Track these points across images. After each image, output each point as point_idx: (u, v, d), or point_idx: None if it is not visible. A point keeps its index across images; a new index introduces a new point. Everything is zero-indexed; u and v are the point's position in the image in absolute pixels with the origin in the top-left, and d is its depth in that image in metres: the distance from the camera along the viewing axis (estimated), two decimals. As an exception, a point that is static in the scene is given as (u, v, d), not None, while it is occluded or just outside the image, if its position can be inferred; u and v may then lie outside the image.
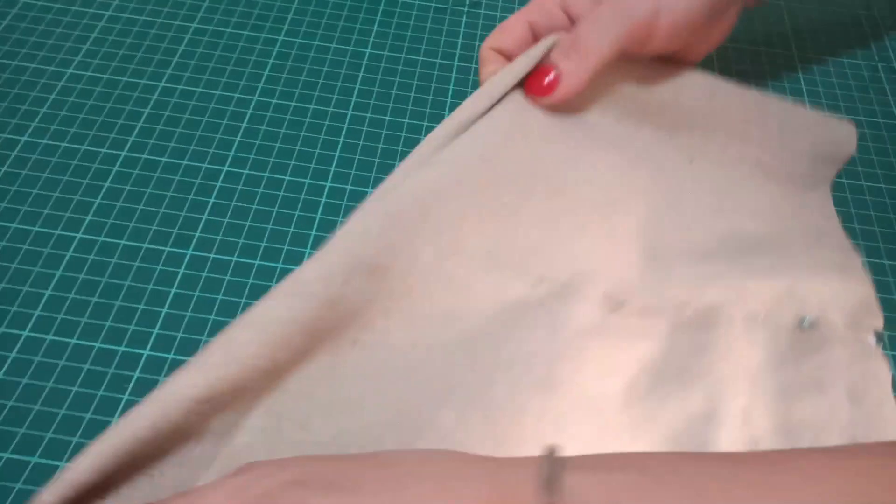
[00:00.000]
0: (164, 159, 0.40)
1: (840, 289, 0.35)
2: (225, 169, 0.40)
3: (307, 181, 0.40)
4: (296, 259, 0.37)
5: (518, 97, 0.36)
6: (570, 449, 0.25)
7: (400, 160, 0.41)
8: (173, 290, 0.35)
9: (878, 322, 0.35)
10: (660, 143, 0.39)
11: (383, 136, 0.43)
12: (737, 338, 0.33)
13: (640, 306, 0.34)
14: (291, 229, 0.38)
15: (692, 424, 0.31)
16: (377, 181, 0.41)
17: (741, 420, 0.31)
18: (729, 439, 0.31)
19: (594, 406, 0.31)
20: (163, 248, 0.37)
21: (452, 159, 0.34)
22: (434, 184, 0.33)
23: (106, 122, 0.42)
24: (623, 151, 0.38)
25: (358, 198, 0.40)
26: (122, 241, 0.37)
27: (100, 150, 0.41)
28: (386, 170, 0.41)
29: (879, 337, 0.35)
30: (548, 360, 0.31)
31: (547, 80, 0.35)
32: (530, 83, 0.36)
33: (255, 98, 0.44)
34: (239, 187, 0.40)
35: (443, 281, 0.32)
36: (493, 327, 0.32)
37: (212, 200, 0.39)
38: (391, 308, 0.31)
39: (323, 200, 0.40)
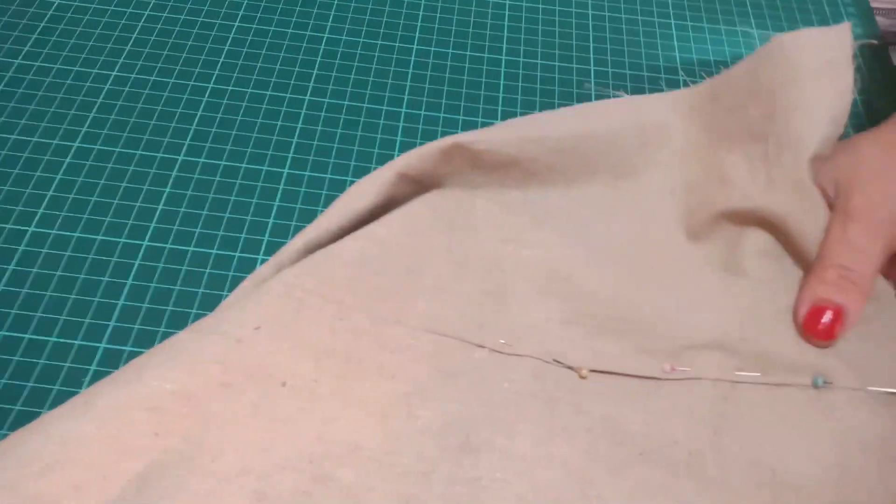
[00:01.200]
0: (117, 149, 0.40)
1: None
2: (180, 158, 0.40)
3: (264, 168, 0.40)
4: (253, 248, 0.37)
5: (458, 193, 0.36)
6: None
7: (358, 146, 0.41)
8: (129, 282, 0.35)
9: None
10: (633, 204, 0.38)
11: (342, 121, 0.43)
12: (723, 399, 0.32)
13: (595, 370, 0.33)
14: (249, 217, 0.38)
15: (654, 493, 0.29)
16: (336, 167, 0.41)
17: (722, 490, 0.30)
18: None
19: (532, 471, 0.30)
20: (118, 239, 0.37)
21: (375, 234, 0.34)
22: (359, 254, 0.33)
23: (57, 113, 0.41)
24: (567, 225, 0.37)
25: (316, 184, 0.40)
26: (76, 234, 0.36)
27: (50, 141, 0.40)
28: (344, 156, 0.41)
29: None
30: (483, 423, 0.31)
31: (826, 319, 0.32)
32: (808, 325, 0.33)
33: (211, 85, 0.43)
34: (195, 176, 0.39)
35: (376, 340, 0.32)
36: (426, 388, 0.31)
37: (167, 190, 0.39)
38: (321, 359, 0.31)
39: (280, 187, 0.39)
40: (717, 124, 0.38)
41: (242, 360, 0.30)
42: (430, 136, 0.42)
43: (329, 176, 0.40)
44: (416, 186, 0.37)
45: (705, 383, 0.32)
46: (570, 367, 0.32)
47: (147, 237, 0.37)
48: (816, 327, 0.32)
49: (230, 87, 0.43)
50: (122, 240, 0.36)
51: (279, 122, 0.42)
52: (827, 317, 0.32)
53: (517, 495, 0.29)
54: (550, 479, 0.30)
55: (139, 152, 0.40)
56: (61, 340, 0.33)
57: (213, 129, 0.41)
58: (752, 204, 0.35)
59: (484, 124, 0.44)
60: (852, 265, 0.32)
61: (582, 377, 0.32)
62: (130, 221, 0.37)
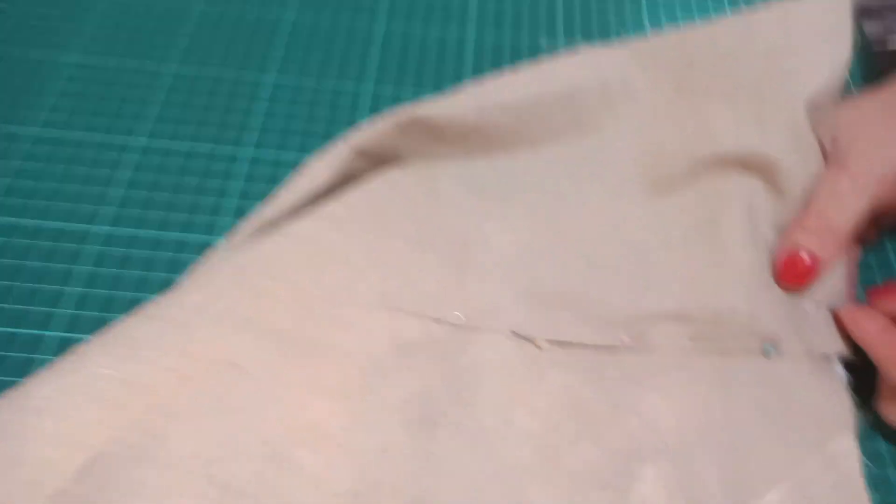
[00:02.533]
0: (71, 133, 0.39)
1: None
2: (132, 140, 0.38)
3: (227, 149, 0.38)
4: (213, 231, 0.35)
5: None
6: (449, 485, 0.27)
7: (325, 126, 0.40)
8: (81, 268, 0.34)
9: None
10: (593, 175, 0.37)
11: (307, 101, 0.41)
12: (677, 368, 0.31)
13: (553, 342, 0.32)
14: (209, 199, 0.37)
15: (615, 461, 0.29)
16: (301, 145, 0.39)
17: (677, 460, 0.29)
18: (655, 477, 0.29)
19: (490, 441, 0.29)
20: (69, 224, 0.35)
21: (330, 212, 0.33)
22: (314, 233, 0.32)
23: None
24: (532, 195, 0.36)
25: (281, 165, 0.38)
26: (22, 220, 0.35)
27: None
28: (311, 136, 0.39)
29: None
30: (441, 397, 0.30)
31: (800, 265, 0.32)
32: (783, 272, 0.33)
33: (174, 64, 0.42)
34: (155, 159, 0.38)
35: (333, 320, 0.31)
36: (383, 365, 0.31)
37: (125, 173, 0.37)
38: (276, 342, 0.30)
39: (244, 169, 0.38)
40: (693, 84, 0.37)
41: (190, 345, 0.29)
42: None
43: (295, 155, 0.38)
44: (373, 161, 0.36)
45: (662, 352, 0.31)
46: (527, 339, 0.31)
47: (101, 221, 0.35)
48: (790, 273, 0.33)
49: (194, 67, 0.42)
50: (73, 224, 0.35)
51: (242, 104, 0.41)
52: (801, 263, 0.32)
53: (479, 468, 0.28)
54: (512, 451, 0.29)
55: (97, 135, 0.38)
56: (4, 330, 0.32)
57: (176, 111, 0.40)
58: (741, 148, 0.34)
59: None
60: (834, 216, 0.32)
61: (540, 348, 0.31)
62: (83, 205, 0.36)
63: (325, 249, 0.32)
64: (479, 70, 0.44)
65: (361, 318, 0.31)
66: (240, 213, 0.36)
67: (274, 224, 0.33)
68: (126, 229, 0.35)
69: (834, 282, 0.33)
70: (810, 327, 0.32)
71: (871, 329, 0.31)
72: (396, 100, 0.42)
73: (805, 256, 0.32)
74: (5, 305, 0.32)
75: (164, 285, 0.33)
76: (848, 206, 0.32)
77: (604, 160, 0.36)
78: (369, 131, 0.34)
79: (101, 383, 0.27)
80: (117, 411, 0.27)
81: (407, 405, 0.30)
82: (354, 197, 0.34)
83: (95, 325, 0.31)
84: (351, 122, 0.40)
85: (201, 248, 0.35)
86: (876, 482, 0.31)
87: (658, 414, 0.30)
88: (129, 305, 0.31)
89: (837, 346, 0.32)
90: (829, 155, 0.34)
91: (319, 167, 0.34)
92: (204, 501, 0.26)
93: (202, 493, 0.26)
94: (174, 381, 0.28)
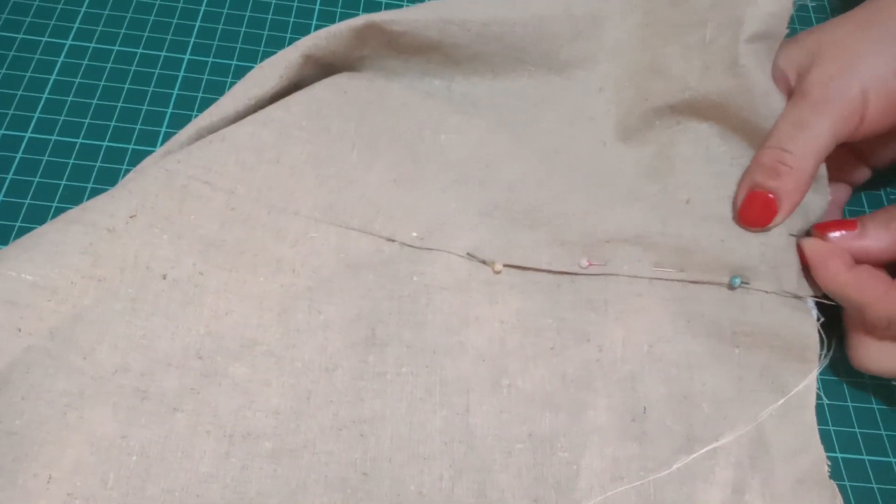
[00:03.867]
0: (-3, 34, 0.36)
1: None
2: (68, 43, 0.36)
3: (163, 54, 0.37)
4: (149, 140, 0.34)
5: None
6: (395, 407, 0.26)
7: (268, 30, 0.38)
8: (9, 177, 0.32)
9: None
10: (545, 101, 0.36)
11: (251, 2, 0.39)
12: (637, 295, 0.31)
13: (510, 264, 0.31)
14: (144, 107, 0.35)
15: (566, 385, 0.29)
16: (242, 53, 0.37)
17: (629, 386, 0.29)
18: (607, 406, 0.28)
19: (440, 363, 0.29)
20: None
21: (272, 117, 0.31)
22: (252, 139, 0.30)
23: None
24: (492, 114, 0.35)
25: (221, 71, 0.36)
26: None
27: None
28: (253, 41, 0.38)
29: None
30: (390, 317, 0.29)
31: (762, 204, 0.30)
32: (743, 211, 0.31)
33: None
34: (84, 62, 0.36)
35: (273, 232, 0.30)
36: (331, 282, 0.30)
37: (53, 77, 0.35)
38: (209, 251, 0.29)
39: (181, 75, 0.36)
40: (657, 18, 0.35)
41: (116, 252, 0.28)
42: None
43: (235, 62, 0.37)
44: (325, 70, 0.34)
45: (622, 280, 0.31)
46: (484, 262, 0.31)
47: (30, 129, 0.34)
48: (749, 214, 0.31)
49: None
50: (2, 131, 0.33)
51: (180, 4, 0.38)
52: (760, 202, 0.30)
53: (425, 388, 0.28)
54: (460, 370, 0.28)
55: (20, 36, 0.36)
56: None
57: (106, 12, 0.38)
58: (689, 94, 0.33)
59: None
60: (792, 146, 0.30)
61: (496, 272, 0.31)
62: (11, 112, 0.34)
63: (264, 155, 0.30)
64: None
65: (306, 232, 0.30)
66: (182, 123, 0.34)
67: (213, 131, 0.31)
68: (51, 136, 0.33)
69: (812, 219, 0.32)
70: (785, 265, 0.31)
71: (839, 267, 0.29)
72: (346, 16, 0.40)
73: (764, 194, 0.30)
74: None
75: (92, 196, 0.32)
76: (809, 136, 0.29)
77: (566, 98, 0.35)
78: (323, 37, 0.32)
79: (15, 288, 0.26)
80: (31, 317, 0.26)
81: (353, 324, 0.29)
82: (297, 101, 0.32)
83: (17, 236, 0.30)
84: (306, 28, 0.38)
85: (136, 159, 0.33)
86: (837, 424, 0.31)
87: (614, 341, 0.30)
88: (55, 216, 0.30)
89: (810, 287, 0.31)
90: (794, 85, 0.32)
91: (267, 74, 0.32)
92: (119, 410, 0.25)
93: (117, 401, 0.26)
94: (90, 285, 0.27)
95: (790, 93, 0.31)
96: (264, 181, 0.30)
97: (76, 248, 0.27)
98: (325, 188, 0.31)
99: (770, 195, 0.30)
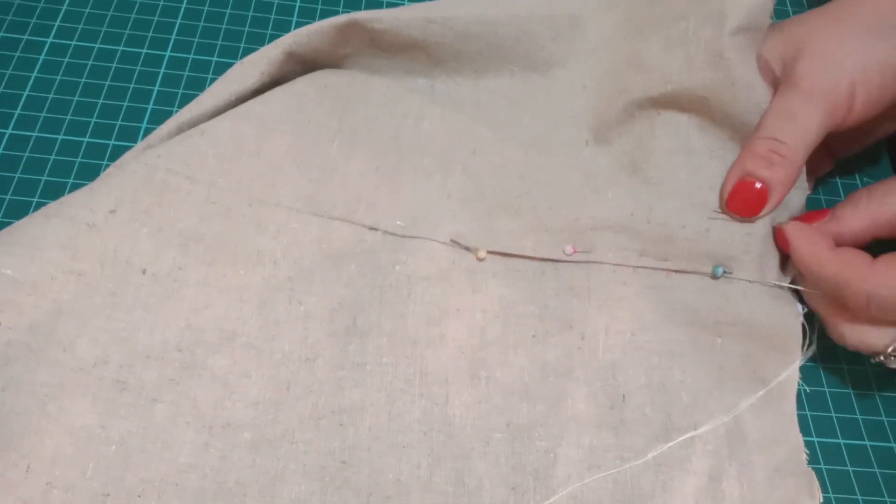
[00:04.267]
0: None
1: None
2: (49, 41, 0.36)
3: (143, 51, 0.37)
4: (129, 136, 0.34)
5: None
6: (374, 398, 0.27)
7: (249, 27, 0.38)
8: (-17, 173, 0.32)
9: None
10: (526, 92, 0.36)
11: (230, 1, 0.39)
12: (621, 283, 0.31)
13: (494, 252, 0.31)
14: (125, 103, 0.35)
15: (546, 374, 0.29)
16: (223, 50, 0.38)
17: (610, 374, 0.29)
18: (587, 395, 0.29)
19: (421, 354, 0.29)
20: None
21: (252, 111, 0.31)
22: (233, 133, 0.31)
23: None
24: (474, 112, 0.35)
25: (201, 68, 0.37)
26: None
27: None
28: (233, 38, 0.38)
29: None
30: (372, 307, 0.30)
31: (750, 194, 0.30)
32: (732, 199, 0.31)
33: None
34: (65, 60, 0.36)
35: (254, 224, 0.30)
36: (312, 273, 0.30)
37: (34, 75, 0.35)
38: (188, 244, 0.29)
39: (161, 71, 0.36)
40: (637, 15, 0.35)
41: (95, 246, 0.28)
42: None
43: (216, 59, 0.37)
44: (307, 68, 0.34)
45: (605, 268, 0.31)
46: (467, 249, 0.31)
47: (11, 125, 0.34)
48: (740, 202, 0.31)
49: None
50: (-20, 128, 0.33)
51: (161, 2, 0.39)
52: (751, 191, 0.30)
53: (405, 379, 0.28)
54: (440, 361, 0.29)
55: (1, 34, 0.36)
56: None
57: (87, 10, 0.38)
58: (671, 87, 0.33)
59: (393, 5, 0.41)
60: (785, 137, 0.30)
61: (479, 259, 0.31)
62: (-11, 107, 0.34)
63: (244, 148, 0.30)
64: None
65: (287, 223, 0.30)
66: (163, 119, 0.34)
67: (194, 126, 0.31)
68: (32, 133, 0.33)
69: (794, 211, 0.32)
70: (768, 255, 0.31)
71: (820, 245, 0.29)
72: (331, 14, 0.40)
73: (755, 183, 0.30)
74: None
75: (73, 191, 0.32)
76: (800, 127, 0.30)
77: (547, 97, 0.35)
78: (305, 34, 0.32)
79: None
80: (11, 311, 0.26)
81: (334, 314, 0.29)
82: (277, 96, 0.32)
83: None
84: (286, 25, 0.39)
85: (116, 155, 0.33)
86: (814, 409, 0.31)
87: (596, 329, 0.30)
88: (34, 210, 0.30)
89: (791, 277, 0.31)
90: (780, 76, 0.32)
91: (248, 70, 0.32)
92: (98, 401, 0.26)
93: (96, 392, 0.26)
94: (69, 280, 0.27)
95: (774, 83, 0.32)
96: (245, 174, 0.30)
97: (56, 243, 0.27)
98: (306, 179, 0.31)
99: (761, 184, 0.30)
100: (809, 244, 0.30)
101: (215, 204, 0.30)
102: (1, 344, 0.26)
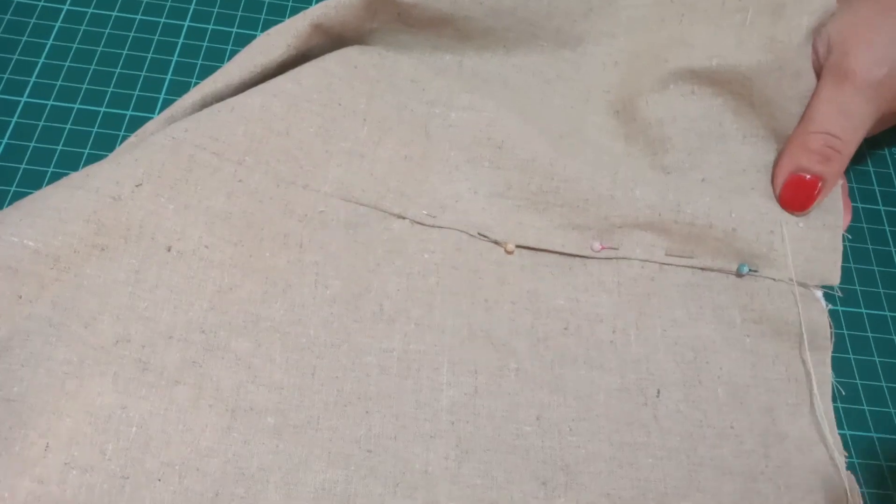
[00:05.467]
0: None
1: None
2: (66, 7, 0.35)
3: (162, 20, 0.36)
4: (147, 106, 0.33)
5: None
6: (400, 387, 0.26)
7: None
8: (5, 141, 0.31)
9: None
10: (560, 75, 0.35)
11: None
12: (649, 279, 0.30)
13: (522, 245, 0.30)
14: (142, 73, 0.34)
15: (577, 367, 0.28)
16: (243, 20, 0.37)
17: (644, 368, 0.29)
18: (619, 388, 0.28)
19: (447, 346, 0.28)
20: None
21: (282, 89, 0.30)
22: (262, 111, 0.30)
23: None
24: (503, 92, 0.34)
25: (220, 39, 0.36)
26: None
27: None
28: (253, 8, 0.37)
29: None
30: (399, 293, 0.29)
31: (804, 188, 0.30)
32: (785, 195, 0.31)
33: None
34: (82, 28, 0.35)
35: (282, 205, 0.29)
36: (339, 257, 0.29)
37: (50, 42, 0.34)
38: (215, 223, 0.28)
39: (180, 41, 0.35)
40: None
41: (120, 221, 0.27)
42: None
43: (235, 30, 0.36)
44: (334, 41, 0.33)
45: (634, 263, 0.30)
46: (495, 242, 0.30)
47: (26, 93, 0.33)
48: (791, 197, 0.30)
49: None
50: (-5, 95, 0.33)
51: (180, -29, 0.38)
52: (805, 186, 0.30)
53: (432, 367, 0.27)
54: (469, 352, 0.28)
55: (17, 0, 0.35)
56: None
57: (105, -24, 0.37)
58: (716, 61, 0.32)
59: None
60: (840, 133, 0.30)
61: (508, 252, 0.30)
62: (6, 76, 0.33)
63: (273, 127, 0.30)
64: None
65: (315, 207, 0.29)
66: (181, 90, 0.33)
67: (218, 99, 0.30)
68: (48, 101, 0.33)
69: (829, 203, 0.31)
70: (793, 253, 0.30)
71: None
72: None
73: (809, 178, 0.30)
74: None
75: (91, 162, 0.31)
76: (854, 122, 0.30)
77: (577, 73, 0.34)
78: (333, 6, 0.31)
79: (17, 254, 0.25)
80: (33, 284, 0.25)
81: (361, 299, 0.28)
82: (307, 73, 0.31)
83: (12, 200, 0.30)
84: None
85: (133, 126, 0.32)
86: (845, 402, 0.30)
87: (627, 323, 0.29)
88: (50, 180, 0.29)
89: (822, 275, 0.30)
90: (824, 63, 0.31)
91: (274, 42, 0.31)
92: (119, 380, 0.25)
93: (117, 371, 0.25)
94: (102, 258, 0.26)
95: (817, 69, 0.31)
96: (273, 153, 0.29)
97: (80, 216, 0.26)
98: (335, 162, 0.30)
99: (815, 179, 0.30)
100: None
101: (243, 182, 0.29)
102: (21, 318, 0.25)
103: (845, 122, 0.30)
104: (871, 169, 0.36)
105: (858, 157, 0.34)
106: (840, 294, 0.30)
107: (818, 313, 0.30)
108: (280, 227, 0.29)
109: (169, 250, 0.27)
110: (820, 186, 0.30)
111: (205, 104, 0.30)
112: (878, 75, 0.29)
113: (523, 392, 0.28)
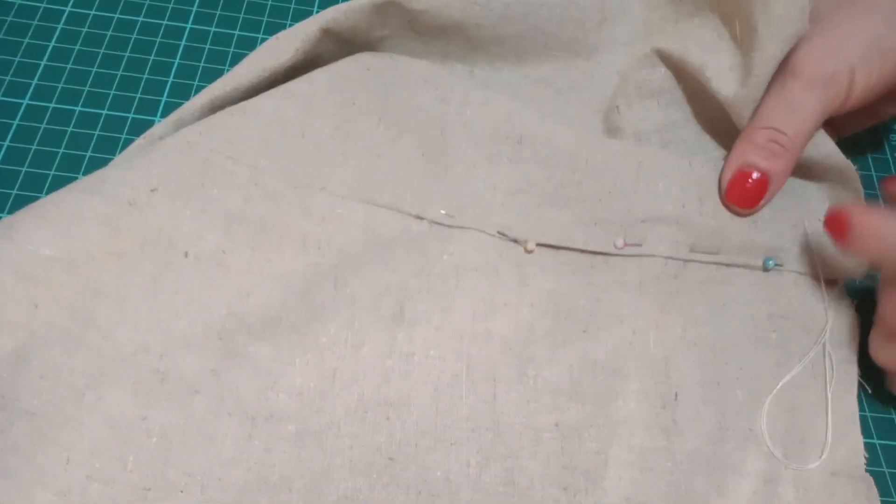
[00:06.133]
0: (-9, -4, 0.35)
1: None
2: (67, 10, 0.35)
3: (164, 23, 0.36)
4: (149, 109, 0.33)
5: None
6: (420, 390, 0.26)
7: (273, 0, 0.37)
8: (6, 144, 0.31)
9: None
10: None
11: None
12: (672, 277, 0.30)
13: (543, 243, 0.30)
14: (144, 76, 0.34)
15: (596, 372, 0.28)
16: (245, 23, 0.36)
17: (662, 370, 0.28)
18: (638, 391, 0.28)
19: (467, 351, 0.28)
20: None
21: (295, 91, 0.30)
22: (276, 113, 0.29)
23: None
24: (513, 95, 0.34)
25: (223, 41, 0.36)
26: None
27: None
28: (256, 10, 0.37)
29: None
30: (420, 294, 0.29)
31: (749, 185, 0.30)
32: (731, 190, 0.30)
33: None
34: (84, 30, 0.35)
35: (299, 208, 0.29)
36: (357, 259, 0.29)
37: (52, 44, 0.34)
38: (232, 227, 0.28)
39: (182, 44, 0.35)
40: None
41: (136, 226, 0.26)
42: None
43: (238, 32, 0.36)
44: (343, 47, 0.32)
45: (657, 260, 0.30)
46: (515, 241, 0.30)
47: (28, 96, 0.33)
48: (739, 193, 0.30)
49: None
50: (-3, 97, 0.32)
51: (183, -28, 0.37)
52: (748, 182, 0.30)
53: (452, 374, 0.27)
54: (487, 358, 0.28)
55: (18, 1, 0.35)
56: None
57: (108, -24, 0.36)
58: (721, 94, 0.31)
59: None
60: (785, 127, 0.29)
61: (528, 251, 0.30)
62: (8, 78, 0.33)
63: (288, 129, 0.29)
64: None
65: (333, 209, 0.29)
66: (184, 93, 0.33)
67: (227, 102, 0.30)
68: (49, 104, 0.32)
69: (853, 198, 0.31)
70: (818, 247, 0.30)
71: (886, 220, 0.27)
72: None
73: (753, 174, 0.30)
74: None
75: (97, 167, 0.30)
76: (801, 117, 0.29)
77: (591, 84, 0.34)
78: (343, 10, 0.31)
79: (33, 261, 0.25)
80: (49, 292, 0.25)
81: (381, 300, 0.28)
82: (320, 75, 0.31)
83: (17, 205, 0.29)
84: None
85: (135, 128, 0.32)
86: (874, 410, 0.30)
87: (648, 323, 0.29)
88: (59, 185, 0.29)
89: (846, 269, 0.30)
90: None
91: (283, 45, 0.30)
92: (139, 391, 0.25)
93: (136, 382, 0.25)
94: (119, 265, 0.26)
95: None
96: (289, 156, 0.29)
97: (96, 221, 0.26)
98: (352, 163, 0.30)
99: (760, 175, 0.30)
100: (878, 238, 0.27)
101: (259, 186, 0.28)
102: (39, 325, 0.24)
103: (791, 117, 0.29)
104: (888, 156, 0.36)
105: (873, 147, 0.34)
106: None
107: (846, 307, 0.30)
108: (298, 229, 0.29)
109: (186, 256, 0.27)
110: (765, 182, 0.30)
111: (213, 107, 0.30)
112: (826, 71, 0.29)
113: (542, 399, 0.27)
